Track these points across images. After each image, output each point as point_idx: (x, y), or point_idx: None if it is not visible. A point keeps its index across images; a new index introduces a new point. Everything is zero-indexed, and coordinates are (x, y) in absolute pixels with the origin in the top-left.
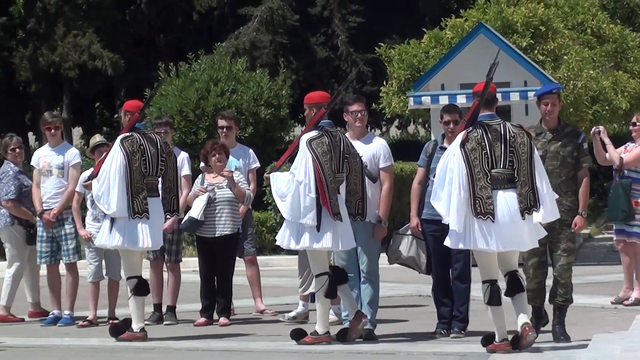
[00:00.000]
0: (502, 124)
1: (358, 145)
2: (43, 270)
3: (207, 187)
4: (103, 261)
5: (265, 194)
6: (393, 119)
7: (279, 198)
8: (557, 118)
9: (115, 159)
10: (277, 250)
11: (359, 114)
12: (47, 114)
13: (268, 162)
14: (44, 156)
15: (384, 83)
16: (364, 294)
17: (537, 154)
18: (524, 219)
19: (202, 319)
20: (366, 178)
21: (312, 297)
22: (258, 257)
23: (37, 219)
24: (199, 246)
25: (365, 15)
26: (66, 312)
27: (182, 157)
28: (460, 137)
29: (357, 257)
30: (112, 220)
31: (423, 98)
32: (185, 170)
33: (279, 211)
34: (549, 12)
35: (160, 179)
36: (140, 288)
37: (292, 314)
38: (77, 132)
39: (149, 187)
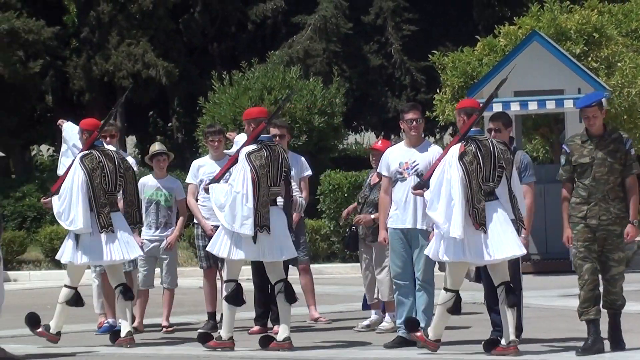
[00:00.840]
0: (490, 140)
1: (414, 153)
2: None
3: None
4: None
5: (319, 202)
6: (447, 127)
7: (218, 208)
8: (602, 125)
9: (76, 176)
10: (331, 258)
11: (414, 122)
12: (111, 127)
13: (321, 170)
14: None
15: (438, 91)
16: (419, 301)
17: (515, 169)
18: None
19: (257, 327)
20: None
21: (382, 306)
22: (312, 265)
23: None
24: None
25: (419, 23)
26: (119, 320)
27: None
28: (457, 149)
29: (413, 264)
30: (77, 237)
31: None
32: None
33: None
34: (602, 19)
35: (120, 194)
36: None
37: (366, 323)
38: (130, 140)
39: (110, 202)
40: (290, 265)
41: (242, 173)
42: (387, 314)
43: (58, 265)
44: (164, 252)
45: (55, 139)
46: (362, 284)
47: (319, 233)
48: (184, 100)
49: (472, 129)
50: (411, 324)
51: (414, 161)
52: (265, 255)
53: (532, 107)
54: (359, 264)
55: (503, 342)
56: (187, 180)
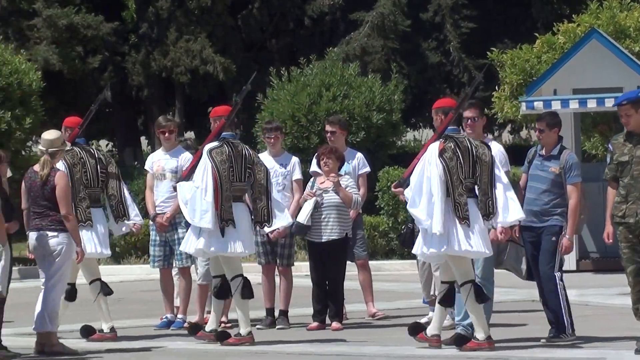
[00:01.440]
0: (467, 138)
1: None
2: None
3: (315, 191)
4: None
5: (377, 199)
6: (505, 124)
7: (183, 205)
8: (639, 123)
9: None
10: (389, 254)
11: (469, 121)
12: (161, 117)
13: (380, 166)
14: (157, 160)
15: (496, 88)
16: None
17: (497, 165)
18: (485, 223)
19: (315, 323)
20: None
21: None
22: (370, 262)
23: (150, 222)
24: (309, 250)
25: (478, 21)
26: (179, 315)
27: (294, 161)
28: (436, 147)
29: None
30: None
31: (535, 103)
32: (296, 174)
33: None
34: None
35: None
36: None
37: (424, 320)
38: (189, 136)
39: (91, 198)
40: (348, 262)
41: (202, 168)
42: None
43: (117, 260)
44: None
45: (114, 135)
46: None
47: (377, 230)
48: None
49: (449, 127)
50: (413, 329)
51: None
52: (235, 248)
53: (591, 105)
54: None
55: (479, 336)
56: None
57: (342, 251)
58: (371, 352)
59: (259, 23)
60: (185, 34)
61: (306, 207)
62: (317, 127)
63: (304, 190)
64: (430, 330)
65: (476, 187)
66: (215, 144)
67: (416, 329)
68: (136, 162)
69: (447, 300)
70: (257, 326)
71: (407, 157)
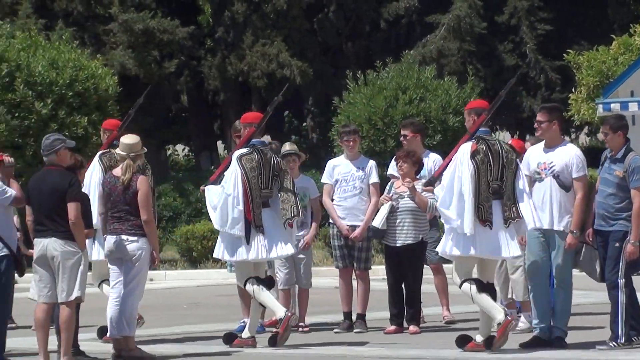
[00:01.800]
0: (497, 141)
1: (551, 154)
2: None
3: (391, 195)
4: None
5: None
6: (582, 126)
7: (212, 209)
8: None
9: (94, 173)
10: None
11: (540, 124)
12: (238, 122)
13: None
14: None
15: (573, 90)
16: (556, 301)
17: (520, 169)
18: (507, 227)
19: (392, 327)
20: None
21: (518, 306)
22: (445, 265)
23: None
24: (386, 254)
25: (554, 23)
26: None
27: (370, 164)
28: (468, 148)
29: (549, 265)
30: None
31: (612, 105)
32: (373, 178)
33: None
34: None
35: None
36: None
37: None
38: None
39: None
40: (424, 265)
41: (233, 176)
42: (522, 314)
43: (194, 264)
44: (300, 251)
45: (190, 139)
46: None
47: None
48: (318, 100)
49: (481, 129)
50: (460, 340)
51: (551, 162)
52: (263, 254)
53: None
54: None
55: (478, 338)
56: (322, 180)
57: (418, 255)
58: (448, 356)
59: (335, 26)
60: (261, 38)
61: (382, 211)
62: (393, 131)
63: (380, 194)
64: (479, 337)
65: (502, 189)
66: (244, 150)
67: (464, 341)
68: (212, 167)
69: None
70: (335, 330)
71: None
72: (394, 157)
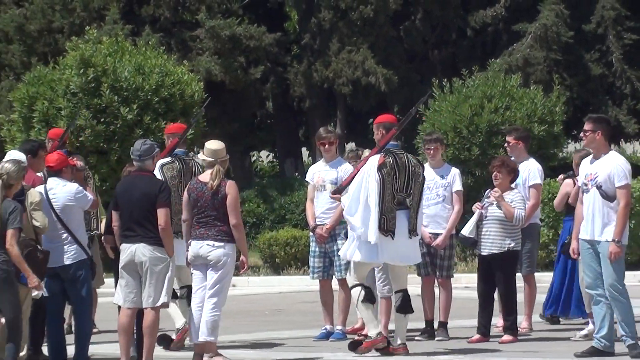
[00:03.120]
0: (405, 154)
1: (596, 165)
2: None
3: (484, 204)
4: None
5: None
6: None
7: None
8: None
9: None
10: (549, 266)
11: (585, 133)
12: (322, 129)
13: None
14: (318, 171)
15: None
16: (615, 311)
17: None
18: (411, 238)
19: (477, 336)
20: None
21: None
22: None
23: (310, 234)
24: (478, 262)
25: None
26: (338, 327)
27: (454, 172)
28: (376, 161)
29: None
30: None
31: None
32: (456, 185)
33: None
34: None
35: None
36: None
37: (583, 332)
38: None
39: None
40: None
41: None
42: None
43: (277, 271)
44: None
45: (275, 145)
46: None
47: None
48: (404, 107)
49: (391, 143)
50: (352, 345)
51: (595, 173)
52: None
53: None
54: None
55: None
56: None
57: (508, 264)
58: None
59: (421, 34)
60: (347, 45)
61: (472, 219)
62: (478, 139)
63: (464, 202)
64: (395, 341)
65: (407, 201)
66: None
67: (355, 345)
68: (297, 174)
69: (405, 307)
70: (417, 338)
71: (569, 169)
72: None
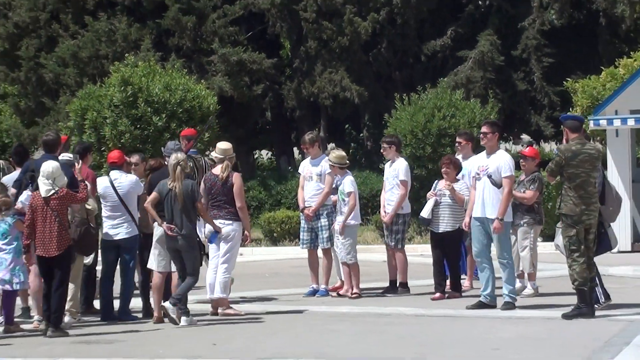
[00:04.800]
0: (203, 158)
1: (487, 159)
2: (300, 254)
3: (436, 192)
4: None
5: None
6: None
7: None
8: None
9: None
10: None
11: (483, 135)
12: (305, 136)
13: None
14: (306, 166)
15: (570, 109)
16: (502, 274)
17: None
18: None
19: (438, 294)
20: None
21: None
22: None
23: (300, 213)
24: (431, 237)
25: (556, 57)
26: (322, 286)
27: (399, 166)
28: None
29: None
30: None
31: (601, 121)
32: (400, 176)
33: None
34: None
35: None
36: None
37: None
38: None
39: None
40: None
41: None
42: (529, 282)
43: (274, 243)
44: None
45: (273, 146)
46: None
47: None
48: (372, 116)
49: (191, 150)
50: None
51: (487, 165)
52: None
53: None
54: None
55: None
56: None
57: (456, 239)
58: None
59: (386, 59)
60: (328, 68)
61: (428, 204)
62: (430, 140)
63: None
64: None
65: None
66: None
67: None
68: (290, 167)
69: None
70: (382, 292)
71: None
72: (440, 163)
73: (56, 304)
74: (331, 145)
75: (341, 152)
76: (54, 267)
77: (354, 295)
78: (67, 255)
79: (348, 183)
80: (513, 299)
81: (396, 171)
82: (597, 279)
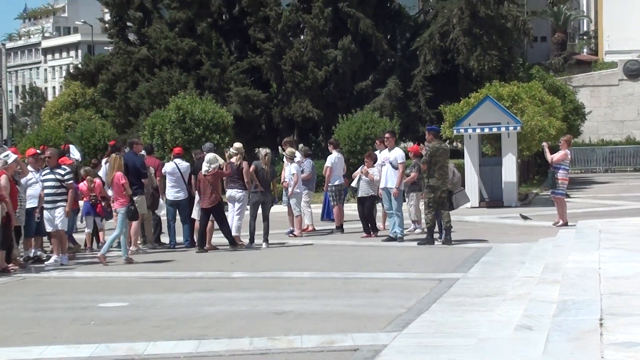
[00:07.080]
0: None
1: (389, 152)
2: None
3: (361, 172)
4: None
5: None
6: (447, 139)
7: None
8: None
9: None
10: None
11: (385, 139)
12: (285, 139)
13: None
14: (285, 158)
15: (441, 124)
16: (392, 221)
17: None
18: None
19: (365, 234)
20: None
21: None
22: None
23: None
24: (358, 201)
25: (433, 92)
26: (296, 230)
27: (333, 157)
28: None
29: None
30: None
31: (461, 130)
32: (327, 163)
33: None
34: (519, 90)
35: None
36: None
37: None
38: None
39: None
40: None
41: None
42: (415, 225)
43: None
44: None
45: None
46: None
47: None
48: (325, 127)
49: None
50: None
51: (388, 157)
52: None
53: (486, 130)
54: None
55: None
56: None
57: (371, 201)
58: (385, 245)
59: (332, 93)
60: (299, 99)
61: (355, 180)
62: (359, 142)
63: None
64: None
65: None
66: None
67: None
68: (276, 159)
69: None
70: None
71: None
72: (365, 155)
73: (226, 232)
74: (301, 145)
75: (292, 149)
76: (209, 212)
77: (296, 234)
78: (217, 206)
79: (308, 165)
80: (402, 235)
81: (336, 159)
82: (436, 222)
